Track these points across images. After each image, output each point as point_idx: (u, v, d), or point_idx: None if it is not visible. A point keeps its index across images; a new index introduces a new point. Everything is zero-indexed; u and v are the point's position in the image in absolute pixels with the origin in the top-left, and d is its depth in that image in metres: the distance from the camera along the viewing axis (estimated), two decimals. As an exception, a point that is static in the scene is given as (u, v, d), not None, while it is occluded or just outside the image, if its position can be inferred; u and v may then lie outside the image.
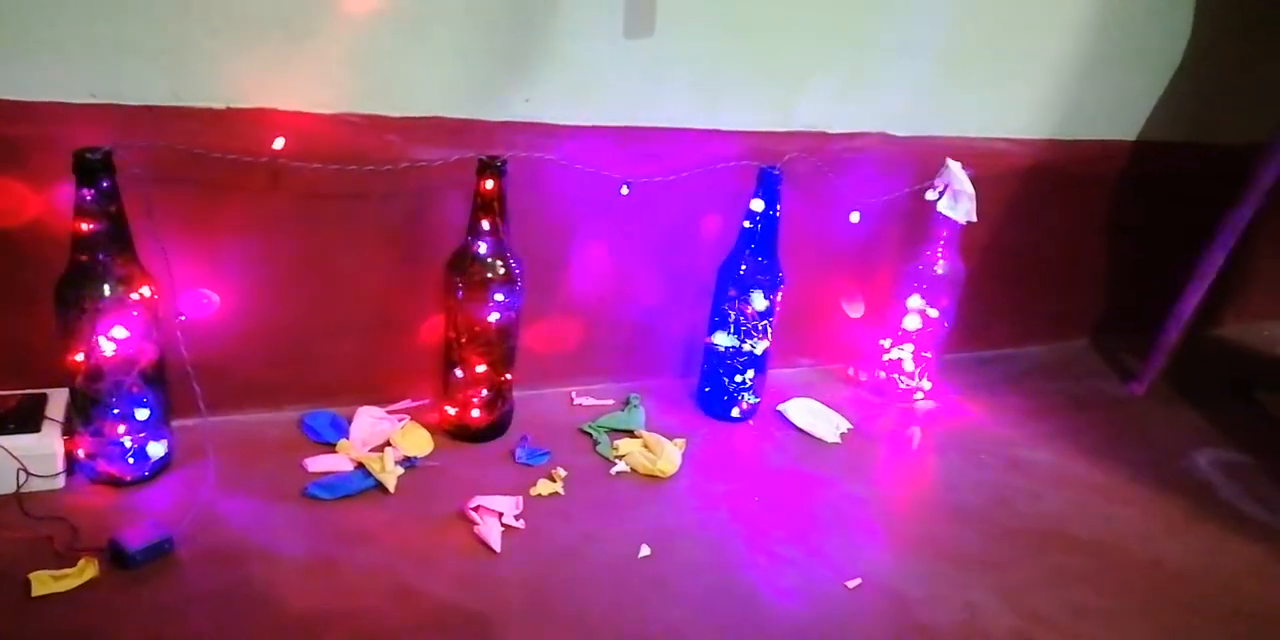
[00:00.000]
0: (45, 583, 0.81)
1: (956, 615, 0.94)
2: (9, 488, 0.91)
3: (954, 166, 1.25)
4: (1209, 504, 1.20)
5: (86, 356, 0.91)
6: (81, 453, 0.95)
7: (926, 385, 1.38)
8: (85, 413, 0.94)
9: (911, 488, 1.17)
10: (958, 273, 1.32)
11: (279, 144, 0.97)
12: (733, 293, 1.19)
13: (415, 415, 1.15)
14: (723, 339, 1.22)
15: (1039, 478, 1.22)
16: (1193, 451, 1.34)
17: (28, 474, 0.91)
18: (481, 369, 1.10)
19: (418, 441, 1.10)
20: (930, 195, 1.27)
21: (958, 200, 1.26)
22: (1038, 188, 1.44)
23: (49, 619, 0.79)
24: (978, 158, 1.29)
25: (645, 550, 0.97)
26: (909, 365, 1.37)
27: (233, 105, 0.96)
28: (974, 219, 1.27)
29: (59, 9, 0.88)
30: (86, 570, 0.83)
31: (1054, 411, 1.41)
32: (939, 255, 1.31)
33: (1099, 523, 1.13)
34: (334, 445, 1.07)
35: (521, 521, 0.99)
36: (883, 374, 1.39)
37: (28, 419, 0.94)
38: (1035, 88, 1.39)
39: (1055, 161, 1.44)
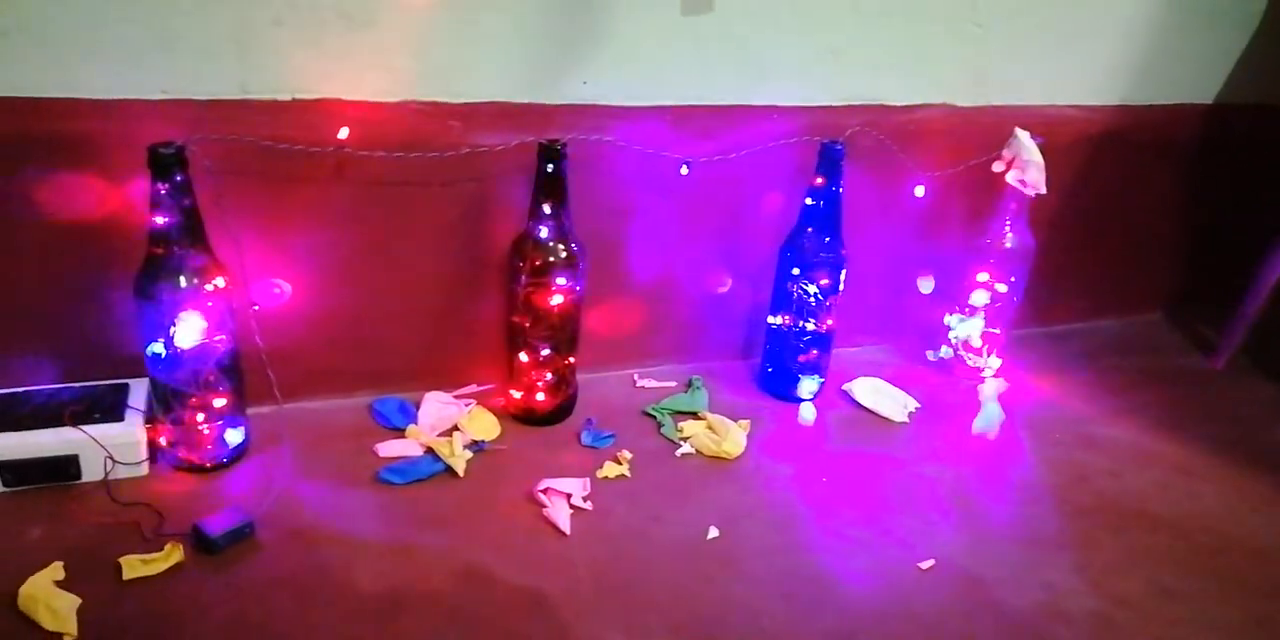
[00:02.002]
0: (135, 566, 0.84)
1: (1034, 596, 0.92)
2: (97, 475, 0.94)
3: (1022, 136, 1.22)
4: (1294, 482, 1.16)
5: (165, 347, 0.93)
6: (163, 440, 0.98)
7: (996, 362, 1.35)
8: (165, 402, 0.96)
9: (983, 467, 1.15)
10: (1027, 246, 1.28)
11: (344, 133, 0.98)
12: (795, 271, 1.18)
13: (481, 400, 1.16)
14: (785, 319, 1.21)
15: (1116, 455, 1.19)
16: (1275, 427, 1.29)
17: (114, 461, 0.94)
18: (545, 353, 1.11)
19: (485, 425, 1.11)
20: (997, 167, 1.24)
21: (1026, 171, 1.22)
22: (1110, 155, 1.40)
23: (140, 601, 0.82)
24: (1047, 126, 1.25)
25: (714, 532, 0.97)
26: (977, 342, 1.34)
27: (298, 96, 0.97)
28: (1043, 190, 1.23)
29: (131, 8, 0.89)
30: (173, 554, 0.86)
31: (1129, 387, 1.37)
32: (1007, 228, 1.27)
33: (1180, 501, 1.10)
34: (403, 430, 1.09)
35: (589, 503, 0.99)
36: (950, 351, 1.36)
37: (112, 409, 0.97)
38: (1105, 52, 1.33)
39: (1128, 128, 1.39)
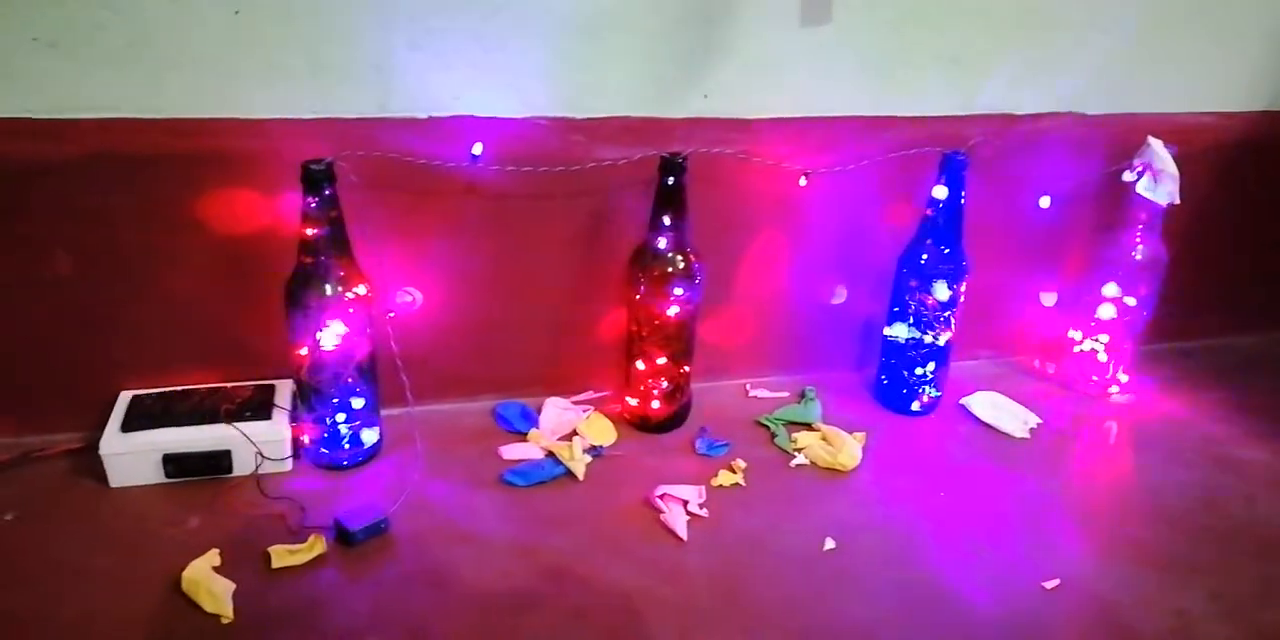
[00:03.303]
0: (283, 556, 0.90)
1: (1166, 622, 0.89)
2: (248, 470, 1.01)
3: (1155, 145, 1.18)
4: None
5: (310, 350, 0.99)
6: (306, 438, 1.04)
7: (1123, 378, 1.31)
8: (308, 402, 1.02)
9: (1109, 486, 1.11)
10: (1159, 258, 1.24)
11: (478, 149, 1.02)
12: (914, 283, 1.17)
13: (598, 406, 1.19)
14: (902, 331, 1.20)
15: (1252, 479, 1.13)
16: None
17: (263, 457, 1.01)
18: (661, 361, 1.13)
19: (602, 431, 1.14)
20: (1128, 176, 1.20)
21: (1159, 180, 1.18)
22: (1250, 164, 1.33)
23: (286, 588, 0.87)
24: (1182, 134, 1.21)
25: (830, 543, 0.97)
26: (1103, 357, 1.30)
27: (433, 114, 1.02)
28: (1177, 200, 1.18)
29: (286, 36, 0.96)
30: (315, 546, 0.91)
31: (1268, 407, 1.30)
32: (1138, 240, 1.23)
33: (1325, 529, 1.05)
34: (525, 434, 1.12)
35: (705, 511, 1.01)
36: (1068, 366, 1.32)
37: (261, 408, 1.04)
38: (1246, 56, 1.28)
39: (1269, 136, 1.32)
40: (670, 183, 1.04)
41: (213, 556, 0.89)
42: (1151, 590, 0.93)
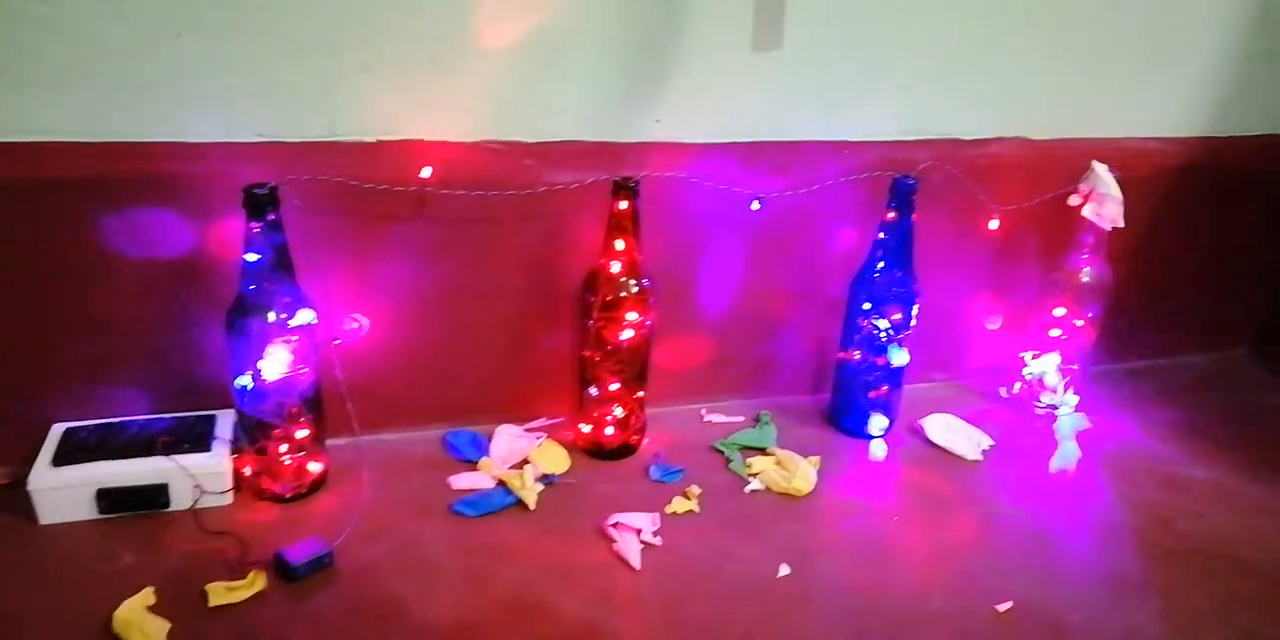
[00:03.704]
0: (220, 593, 0.86)
1: (1118, 644, 0.89)
2: (185, 503, 0.97)
3: (1100, 169, 1.20)
4: (1388, 524, 1.11)
5: (252, 380, 0.96)
6: (247, 470, 1.01)
7: (1073, 399, 1.32)
8: (250, 433, 0.99)
9: (1060, 507, 1.12)
10: (1105, 280, 1.26)
11: (427, 173, 1.01)
12: (866, 306, 1.17)
13: (551, 433, 1.18)
14: (856, 354, 1.20)
15: (1200, 496, 1.15)
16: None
17: (201, 491, 0.97)
18: (615, 387, 1.12)
19: (555, 459, 1.13)
20: (1074, 200, 1.22)
21: (1104, 204, 1.20)
22: (1191, 188, 1.36)
23: (225, 627, 0.84)
24: (1125, 159, 1.23)
25: (785, 569, 0.96)
26: (1053, 378, 1.31)
27: (382, 138, 1.01)
28: (1121, 224, 1.21)
29: (231, 58, 0.94)
30: (256, 582, 0.88)
31: (1213, 425, 1.32)
32: (1085, 262, 1.25)
33: (1268, 544, 1.06)
34: (475, 463, 1.10)
35: (659, 538, 0.99)
36: (1018, 387, 1.34)
37: (200, 439, 1.01)
38: (1186, 83, 1.31)
39: (1210, 160, 1.35)
40: (623, 207, 1.04)
41: (147, 595, 0.85)
42: (1102, 610, 0.93)
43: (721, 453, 1.17)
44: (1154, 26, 1.24)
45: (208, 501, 0.98)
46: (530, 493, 1.05)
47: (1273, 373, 1.52)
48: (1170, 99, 1.31)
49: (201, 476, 0.97)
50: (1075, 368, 1.31)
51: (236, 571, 0.89)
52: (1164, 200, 1.36)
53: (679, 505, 1.05)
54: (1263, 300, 1.56)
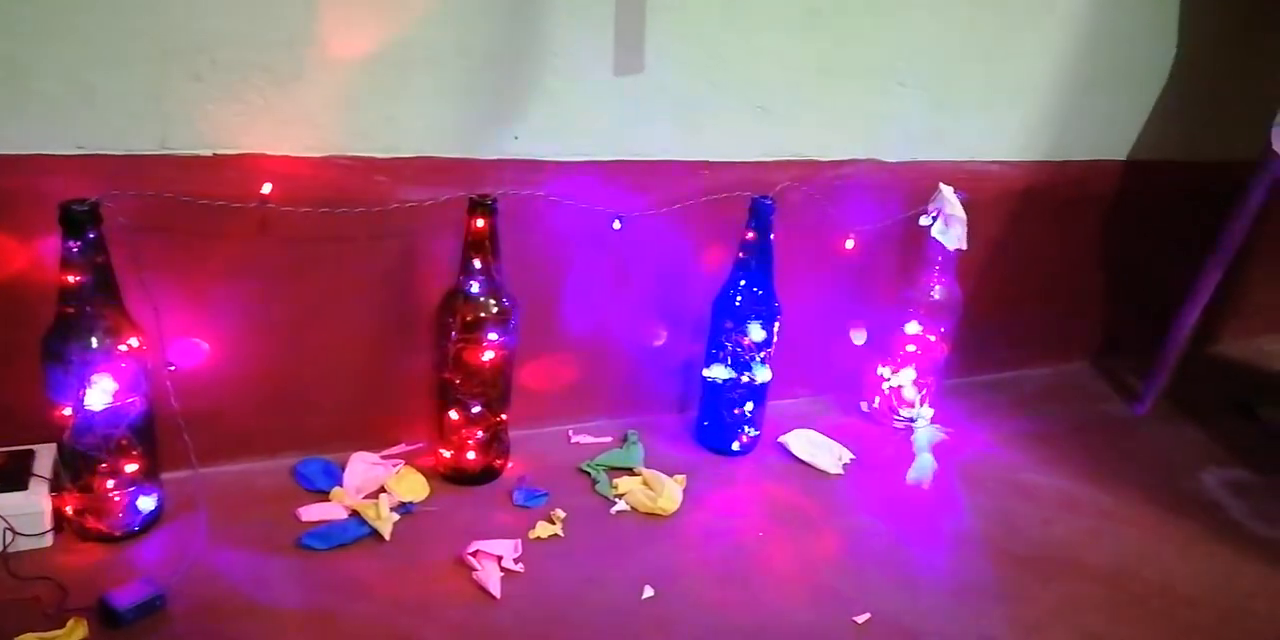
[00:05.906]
0: (33, 646, 0.79)
1: (971, 651, 0.92)
2: (-4, 547, 0.89)
3: (946, 191, 1.25)
4: (1218, 524, 1.19)
5: (74, 410, 0.89)
6: (69, 509, 0.93)
7: (928, 412, 1.37)
8: (73, 468, 0.92)
9: (917, 517, 1.15)
10: (955, 297, 1.31)
11: (267, 189, 0.96)
12: (729, 324, 1.18)
13: (410, 459, 1.13)
14: (720, 372, 1.21)
15: (1046, 503, 1.20)
16: (1199, 471, 1.33)
17: (14, 533, 0.89)
18: (477, 410, 1.09)
19: (413, 486, 1.08)
20: (924, 220, 1.27)
21: (950, 225, 1.25)
22: (1032, 210, 1.44)
23: (37, 684, 0.77)
24: (970, 181, 1.29)
25: (649, 591, 0.95)
26: (909, 392, 1.35)
27: (219, 151, 0.96)
28: (964, 246, 1.26)
29: (46, 61, 0.87)
30: (76, 631, 0.81)
31: (1058, 435, 1.39)
32: (935, 280, 1.30)
33: (1109, 547, 1.12)
34: (327, 493, 1.05)
35: (521, 565, 0.97)
36: (877, 401, 1.37)
37: (14, 477, 0.92)
38: (1025, 110, 1.39)
39: (1048, 183, 1.44)
40: (480, 225, 1.02)
41: (-55, 652, 0.77)
42: (956, 618, 0.96)
43: (588, 474, 1.16)
44: (991, 57, 1.31)
45: (23, 544, 0.90)
46: (386, 523, 1.00)
47: (1111, 384, 1.61)
48: (1009, 125, 1.39)
49: (15, 518, 0.89)
50: (930, 381, 1.35)
51: (54, 619, 0.82)
52: (1008, 220, 1.43)
53: (543, 530, 1.03)
54: (1101, 316, 1.66)
